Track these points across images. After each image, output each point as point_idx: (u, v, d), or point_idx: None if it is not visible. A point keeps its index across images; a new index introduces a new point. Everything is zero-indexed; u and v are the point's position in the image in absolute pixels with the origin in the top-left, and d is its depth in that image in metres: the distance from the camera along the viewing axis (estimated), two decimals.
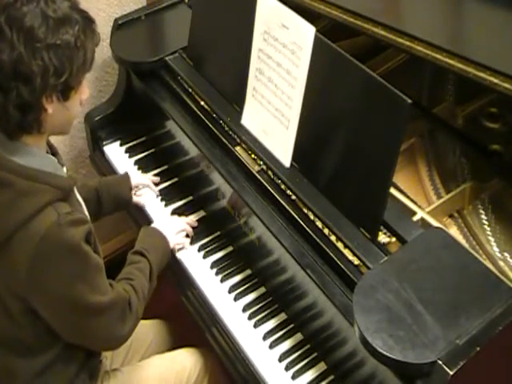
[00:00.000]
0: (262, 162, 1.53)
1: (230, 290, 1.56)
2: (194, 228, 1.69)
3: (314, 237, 1.37)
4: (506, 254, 1.43)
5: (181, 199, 1.79)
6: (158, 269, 1.50)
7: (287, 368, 1.41)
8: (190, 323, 1.60)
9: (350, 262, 1.32)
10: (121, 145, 1.95)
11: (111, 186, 1.69)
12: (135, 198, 1.75)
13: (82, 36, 1.17)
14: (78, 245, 1.19)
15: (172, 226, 1.63)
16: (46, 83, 1.13)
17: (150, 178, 1.82)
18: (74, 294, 1.22)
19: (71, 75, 1.16)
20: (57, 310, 1.25)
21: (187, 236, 1.67)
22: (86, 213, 1.38)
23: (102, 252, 1.33)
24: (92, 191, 1.63)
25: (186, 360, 1.59)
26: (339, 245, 1.34)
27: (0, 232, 1.18)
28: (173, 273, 1.64)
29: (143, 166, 1.89)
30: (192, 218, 1.71)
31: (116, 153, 1.93)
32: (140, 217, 1.79)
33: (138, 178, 1.78)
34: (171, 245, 1.59)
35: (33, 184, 1.17)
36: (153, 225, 1.63)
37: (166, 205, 1.78)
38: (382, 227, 1.33)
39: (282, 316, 1.50)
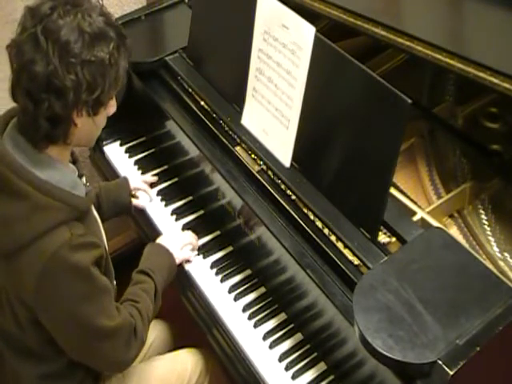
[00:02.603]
0: (261, 162, 1.53)
1: (230, 290, 1.56)
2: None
3: (314, 237, 1.37)
4: (506, 254, 1.43)
5: (181, 199, 1.79)
6: (163, 287, 1.49)
7: (287, 368, 1.41)
8: (190, 323, 1.60)
9: (350, 262, 1.32)
10: (121, 145, 1.95)
11: (110, 191, 1.68)
12: (134, 201, 1.75)
13: (116, 54, 1.17)
14: (86, 268, 1.19)
15: (178, 240, 1.61)
16: (78, 98, 1.13)
17: (148, 179, 1.81)
18: (80, 315, 1.22)
19: (103, 92, 1.16)
20: (61, 328, 1.26)
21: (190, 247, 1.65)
22: (102, 230, 1.38)
23: (113, 274, 1.34)
24: None
25: (187, 360, 1.59)
26: (339, 245, 1.34)
27: (12, 242, 1.18)
28: None
29: (143, 166, 1.89)
30: (193, 234, 1.67)
31: (116, 153, 1.93)
32: (140, 217, 1.79)
33: (135, 182, 1.77)
34: (177, 261, 1.58)
35: (49, 200, 1.16)
36: (158, 240, 1.61)
37: (165, 205, 1.78)
38: (382, 227, 1.33)
39: (282, 316, 1.50)
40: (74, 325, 1.23)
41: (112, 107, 1.26)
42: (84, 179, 1.33)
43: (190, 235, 1.65)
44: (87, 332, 1.25)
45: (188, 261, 1.62)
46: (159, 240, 1.61)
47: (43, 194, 1.16)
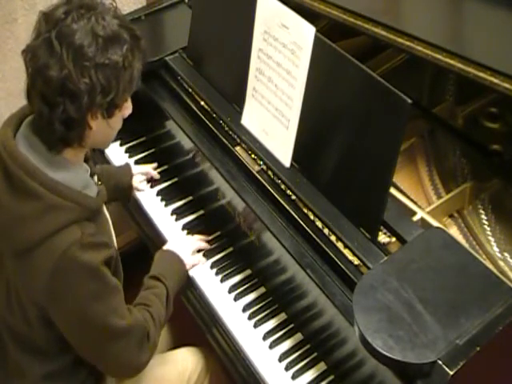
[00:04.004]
0: (261, 162, 1.53)
1: (230, 290, 1.56)
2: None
3: (314, 237, 1.37)
4: (506, 254, 1.43)
5: (181, 199, 1.79)
6: (175, 293, 1.50)
7: (287, 368, 1.41)
8: (190, 323, 1.60)
9: (350, 262, 1.32)
10: (121, 145, 1.95)
11: (112, 174, 1.70)
12: (135, 184, 1.76)
13: (130, 56, 1.17)
14: (96, 267, 1.19)
15: (187, 247, 1.61)
16: (92, 101, 1.14)
17: (151, 172, 1.83)
18: (91, 314, 1.22)
19: (117, 94, 1.17)
20: (72, 326, 1.26)
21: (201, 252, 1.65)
22: (112, 229, 1.38)
23: (122, 274, 1.34)
24: None
25: (187, 360, 1.59)
26: (339, 245, 1.34)
27: (25, 241, 1.18)
28: None
29: None
30: (202, 237, 1.67)
31: (116, 153, 1.93)
32: (140, 217, 1.79)
33: (138, 167, 1.81)
34: (188, 267, 1.58)
35: (61, 200, 1.17)
36: (168, 246, 1.60)
37: (165, 205, 1.78)
38: (382, 227, 1.33)
39: (282, 316, 1.51)
40: (86, 323, 1.24)
41: (127, 109, 1.27)
42: (96, 178, 1.34)
43: (199, 240, 1.65)
44: (99, 331, 1.25)
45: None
46: (169, 246, 1.60)
47: (55, 195, 1.17)
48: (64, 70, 1.11)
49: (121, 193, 1.74)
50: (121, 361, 1.31)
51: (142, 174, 1.81)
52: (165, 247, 1.60)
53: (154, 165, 1.85)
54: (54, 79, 1.11)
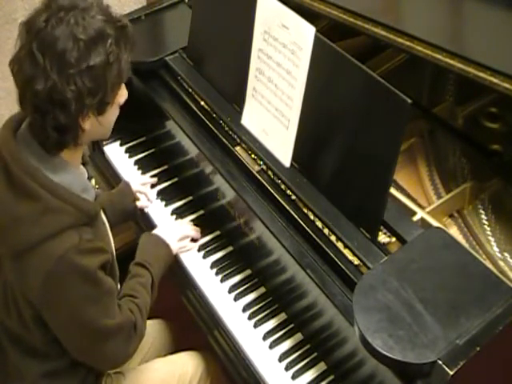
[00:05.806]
0: (261, 162, 1.53)
1: (230, 290, 1.56)
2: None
3: (314, 237, 1.37)
4: (506, 254, 1.43)
5: (181, 199, 1.79)
6: (160, 278, 1.50)
7: (287, 368, 1.41)
8: (190, 323, 1.60)
9: (350, 262, 1.32)
10: (121, 145, 1.95)
11: (114, 201, 1.67)
12: (139, 204, 1.75)
13: (116, 49, 1.16)
14: (93, 272, 1.20)
15: (175, 232, 1.61)
16: (81, 105, 1.14)
17: (147, 181, 1.82)
18: (83, 316, 1.23)
19: (106, 92, 1.17)
20: (65, 327, 1.27)
21: (193, 241, 1.66)
22: (110, 232, 1.39)
23: (118, 275, 1.35)
24: None
25: (188, 363, 1.59)
26: (339, 245, 1.34)
27: (22, 242, 1.19)
28: (173, 273, 1.64)
29: (143, 165, 1.89)
30: (193, 227, 1.68)
31: (116, 153, 1.93)
32: (140, 217, 1.79)
33: (135, 186, 1.77)
34: (174, 251, 1.58)
35: (60, 203, 1.17)
36: (155, 231, 1.61)
37: (165, 205, 1.78)
38: (382, 227, 1.33)
39: (282, 316, 1.51)
40: (78, 325, 1.24)
41: (122, 97, 1.26)
42: (93, 181, 1.33)
43: (189, 227, 1.66)
44: (91, 332, 1.26)
45: (189, 261, 1.62)
46: (156, 230, 1.61)
47: (55, 197, 1.17)
48: (49, 81, 1.10)
49: (126, 216, 1.72)
50: (110, 357, 1.33)
51: (140, 191, 1.78)
52: (152, 232, 1.61)
53: (154, 180, 1.84)
54: (41, 92, 1.11)
